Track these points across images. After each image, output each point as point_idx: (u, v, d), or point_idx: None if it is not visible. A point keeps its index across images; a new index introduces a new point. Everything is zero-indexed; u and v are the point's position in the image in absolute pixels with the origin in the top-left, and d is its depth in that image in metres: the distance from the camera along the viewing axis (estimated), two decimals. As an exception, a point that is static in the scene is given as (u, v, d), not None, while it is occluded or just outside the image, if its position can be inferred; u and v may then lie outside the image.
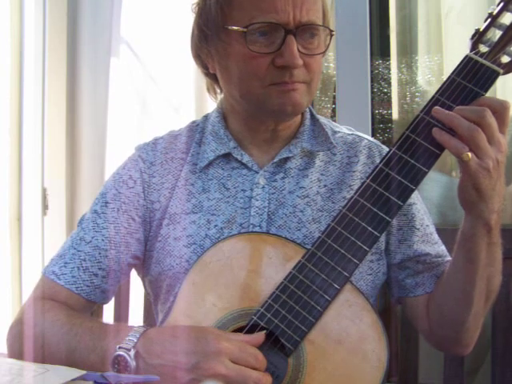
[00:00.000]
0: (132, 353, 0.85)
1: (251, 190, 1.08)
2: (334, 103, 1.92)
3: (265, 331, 0.87)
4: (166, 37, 2.09)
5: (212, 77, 1.13)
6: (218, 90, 1.16)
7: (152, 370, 0.84)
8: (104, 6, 2.20)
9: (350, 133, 1.17)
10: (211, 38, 1.05)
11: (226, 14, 1.02)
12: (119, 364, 0.85)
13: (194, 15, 1.09)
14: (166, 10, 2.09)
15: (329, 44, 1.05)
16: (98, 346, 0.90)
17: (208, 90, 1.18)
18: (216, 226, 1.06)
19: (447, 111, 0.87)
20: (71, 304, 1.05)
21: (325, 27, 1.03)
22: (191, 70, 2.03)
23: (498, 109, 0.87)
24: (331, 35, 1.04)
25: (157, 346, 0.85)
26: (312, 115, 1.15)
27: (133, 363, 0.84)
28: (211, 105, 1.97)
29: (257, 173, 1.09)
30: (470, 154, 0.85)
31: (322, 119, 1.15)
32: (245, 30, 0.99)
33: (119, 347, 0.86)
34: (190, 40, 1.11)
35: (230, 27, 1.01)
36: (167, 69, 2.10)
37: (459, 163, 0.87)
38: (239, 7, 1.00)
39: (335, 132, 1.15)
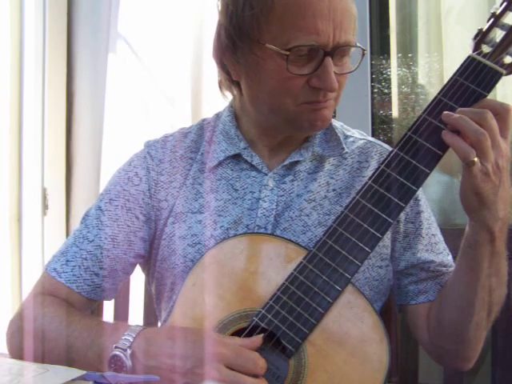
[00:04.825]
0: (128, 353, 0.85)
1: (259, 191, 1.07)
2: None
3: (263, 334, 0.86)
4: (164, 32, 2.06)
5: (232, 81, 1.07)
6: (235, 93, 1.10)
7: (147, 371, 0.84)
8: (103, 2, 2.19)
9: (362, 137, 1.15)
10: (242, 49, 0.99)
11: (263, 28, 0.96)
12: (115, 363, 0.85)
13: (220, 16, 1.03)
14: (163, 4, 2.07)
15: (360, 62, 1.01)
16: (95, 343, 0.91)
17: (220, 87, 1.13)
18: (222, 226, 1.05)
19: (456, 115, 0.86)
20: (71, 301, 1.05)
21: (359, 47, 1.00)
22: (188, 65, 2.02)
23: (500, 111, 0.86)
24: (363, 54, 1.00)
25: (153, 347, 0.86)
26: None
27: (129, 363, 0.85)
28: (206, 99, 1.98)
29: (266, 175, 1.08)
30: (476, 158, 0.84)
31: (335, 122, 1.13)
32: (287, 53, 0.94)
33: (115, 347, 0.86)
34: (214, 41, 1.05)
35: (267, 45, 0.95)
36: (164, 64, 2.08)
37: (463, 166, 0.86)
38: (278, 24, 0.95)
39: (347, 136, 1.14)
